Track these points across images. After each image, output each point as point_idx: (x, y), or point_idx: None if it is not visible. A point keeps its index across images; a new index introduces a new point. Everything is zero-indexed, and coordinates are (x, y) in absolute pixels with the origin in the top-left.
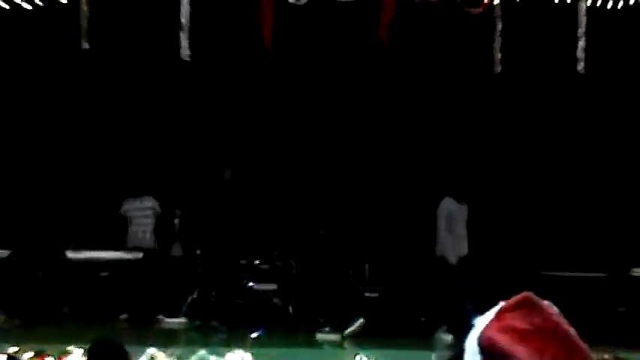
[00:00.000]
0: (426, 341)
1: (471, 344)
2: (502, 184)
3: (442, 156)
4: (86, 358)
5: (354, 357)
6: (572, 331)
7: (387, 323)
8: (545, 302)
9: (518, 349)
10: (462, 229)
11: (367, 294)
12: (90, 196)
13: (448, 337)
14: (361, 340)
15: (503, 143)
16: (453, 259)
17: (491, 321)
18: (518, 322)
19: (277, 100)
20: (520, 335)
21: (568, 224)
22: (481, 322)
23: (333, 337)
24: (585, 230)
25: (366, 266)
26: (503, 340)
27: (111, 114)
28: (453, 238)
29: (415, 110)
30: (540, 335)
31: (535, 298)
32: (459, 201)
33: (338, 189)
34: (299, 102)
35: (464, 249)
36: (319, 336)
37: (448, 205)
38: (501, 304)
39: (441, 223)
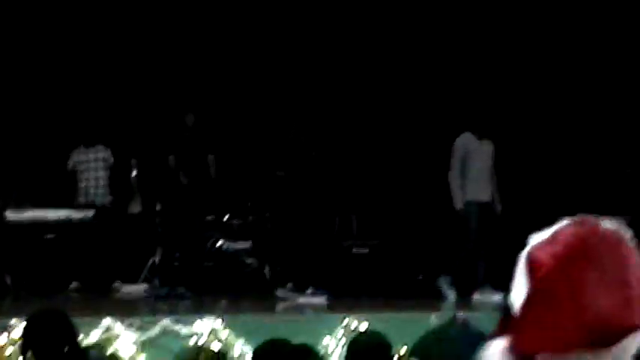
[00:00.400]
0: (423, 302)
1: (520, 263)
2: (534, 119)
3: (455, 79)
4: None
5: (343, 320)
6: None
7: (379, 283)
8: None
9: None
10: (481, 172)
11: (355, 250)
12: (31, 147)
13: (452, 294)
14: (350, 302)
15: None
16: (460, 204)
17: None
18: (569, 248)
19: (243, 39)
20: (569, 261)
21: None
22: (535, 240)
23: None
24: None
25: (354, 218)
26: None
27: (56, 53)
28: (469, 181)
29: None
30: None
31: (594, 221)
32: (480, 137)
33: (303, 127)
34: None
35: (483, 195)
36: (280, 292)
37: (464, 141)
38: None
39: (453, 162)
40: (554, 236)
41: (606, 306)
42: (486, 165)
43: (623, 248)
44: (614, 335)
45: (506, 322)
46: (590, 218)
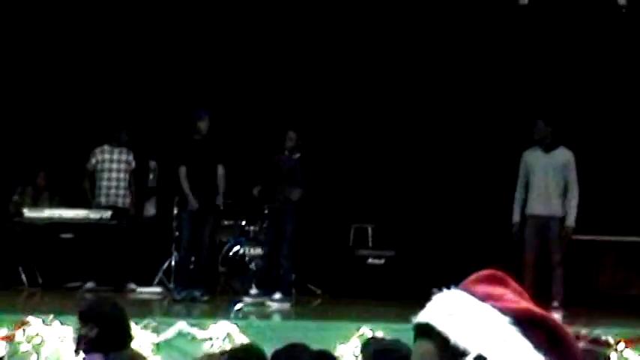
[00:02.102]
0: None
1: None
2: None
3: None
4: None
5: (357, 330)
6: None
7: (394, 293)
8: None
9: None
10: (546, 186)
11: (371, 261)
12: (51, 146)
13: None
14: (365, 312)
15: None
16: (515, 218)
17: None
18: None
19: (258, 47)
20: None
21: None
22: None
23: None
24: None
25: (369, 228)
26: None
27: (83, 56)
28: (530, 196)
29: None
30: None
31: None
32: (548, 149)
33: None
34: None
35: (542, 209)
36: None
37: (527, 154)
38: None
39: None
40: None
41: None
42: (553, 179)
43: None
44: None
45: None
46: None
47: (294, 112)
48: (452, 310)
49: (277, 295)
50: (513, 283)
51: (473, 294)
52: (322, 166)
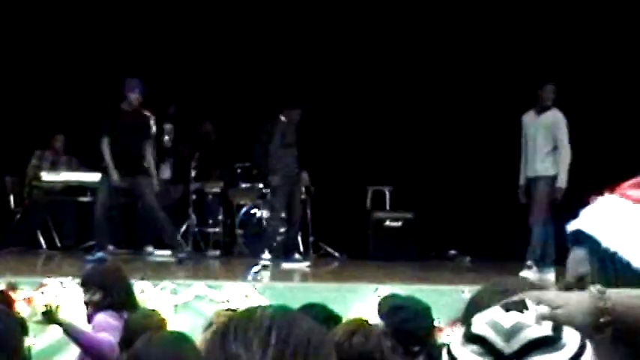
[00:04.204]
0: (455, 277)
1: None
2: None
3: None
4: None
5: (375, 292)
6: None
7: (412, 256)
8: None
9: None
10: (534, 147)
11: (388, 223)
12: (69, 109)
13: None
14: (382, 274)
15: None
16: (522, 179)
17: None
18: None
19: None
20: None
21: None
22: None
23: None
24: None
25: (387, 191)
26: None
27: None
28: (526, 158)
29: None
30: None
31: None
32: (540, 111)
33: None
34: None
35: (530, 171)
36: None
37: (524, 117)
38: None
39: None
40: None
41: None
42: (542, 138)
43: None
44: None
45: None
46: None
47: (311, 71)
48: (603, 215)
49: (296, 256)
50: None
51: (627, 198)
52: (338, 128)
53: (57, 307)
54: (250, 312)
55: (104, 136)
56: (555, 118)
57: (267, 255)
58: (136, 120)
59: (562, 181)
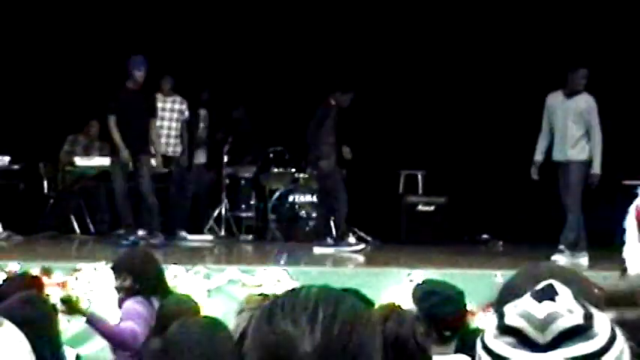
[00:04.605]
0: (488, 261)
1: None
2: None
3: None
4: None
5: (408, 276)
6: None
7: (443, 241)
8: None
9: None
10: (564, 130)
11: (421, 207)
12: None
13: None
14: (415, 259)
15: None
16: (538, 156)
17: None
18: None
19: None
20: None
21: None
22: None
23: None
24: None
25: (419, 175)
26: None
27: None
28: (554, 141)
29: None
30: None
31: None
32: (570, 94)
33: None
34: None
35: (560, 154)
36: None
37: (550, 99)
38: None
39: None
40: None
41: None
42: (574, 124)
43: None
44: None
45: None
46: None
47: (340, 56)
48: None
49: (352, 240)
50: None
51: None
52: (372, 113)
53: (77, 297)
54: (296, 291)
55: (110, 115)
56: (587, 103)
57: (330, 240)
58: (142, 98)
59: (597, 167)
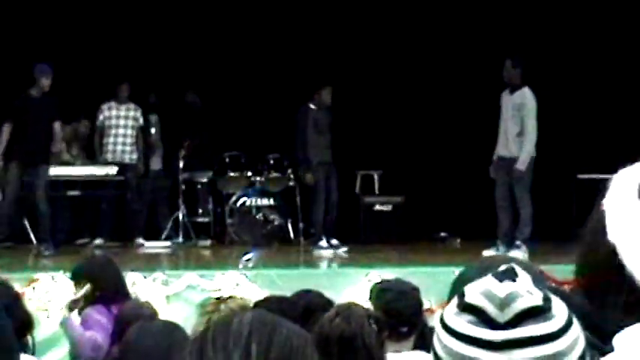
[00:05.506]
0: (446, 258)
1: None
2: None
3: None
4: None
5: (366, 276)
6: None
7: (401, 239)
8: None
9: None
10: (505, 126)
11: (378, 207)
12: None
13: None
14: (373, 258)
15: None
16: (495, 157)
17: None
18: None
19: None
20: None
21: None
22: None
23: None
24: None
25: (376, 175)
26: None
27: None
28: (500, 134)
29: None
30: None
31: None
32: (512, 90)
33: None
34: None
35: (503, 150)
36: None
37: (503, 95)
38: None
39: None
40: None
41: None
42: (511, 120)
43: None
44: None
45: None
46: None
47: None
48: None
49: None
50: None
51: None
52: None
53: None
54: (227, 322)
55: (7, 121)
56: (522, 98)
57: (324, 242)
58: (44, 105)
59: (520, 163)
